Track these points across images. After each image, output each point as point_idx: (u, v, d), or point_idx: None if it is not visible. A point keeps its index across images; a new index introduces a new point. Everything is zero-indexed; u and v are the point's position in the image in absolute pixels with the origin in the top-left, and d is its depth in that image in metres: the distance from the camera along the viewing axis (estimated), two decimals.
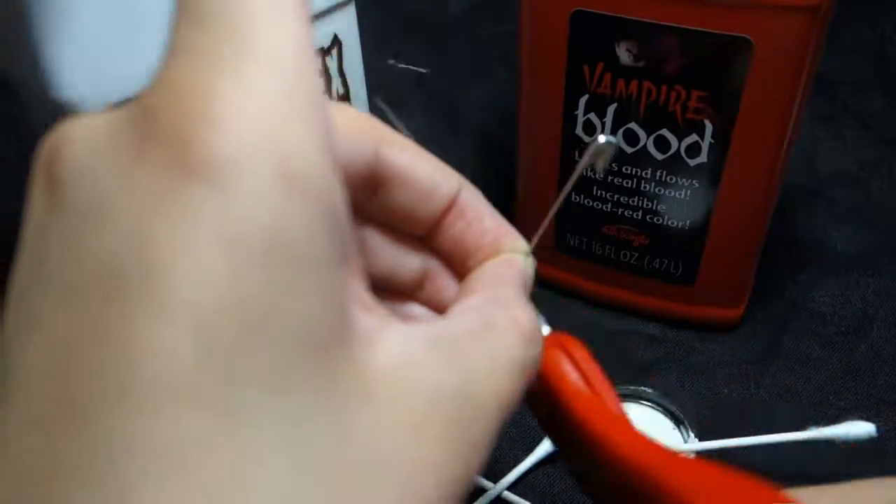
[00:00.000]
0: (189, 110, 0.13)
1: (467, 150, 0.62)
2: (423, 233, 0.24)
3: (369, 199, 0.23)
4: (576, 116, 0.42)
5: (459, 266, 0.25)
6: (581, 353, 0.27)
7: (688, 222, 0.43)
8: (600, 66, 0.39)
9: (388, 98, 0.66)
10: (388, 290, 0.25)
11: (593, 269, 0.48)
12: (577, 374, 0.26)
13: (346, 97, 0.42)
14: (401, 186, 0.22)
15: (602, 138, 0.23)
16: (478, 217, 0.24)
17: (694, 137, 0.40)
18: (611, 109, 0.41)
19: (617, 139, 0.23)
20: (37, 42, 0.31)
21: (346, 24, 0.40)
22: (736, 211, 0.42)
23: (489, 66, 0.69)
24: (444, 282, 0.25)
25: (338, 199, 0.15)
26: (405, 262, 0.25)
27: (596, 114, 0.41)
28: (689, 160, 0.41)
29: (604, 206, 0.45)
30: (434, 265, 0.25)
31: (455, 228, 0.24)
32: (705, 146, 0.40)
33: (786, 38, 0.35)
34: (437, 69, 0.70)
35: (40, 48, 0.31)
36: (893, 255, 0.52)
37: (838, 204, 0.56)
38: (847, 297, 0.49)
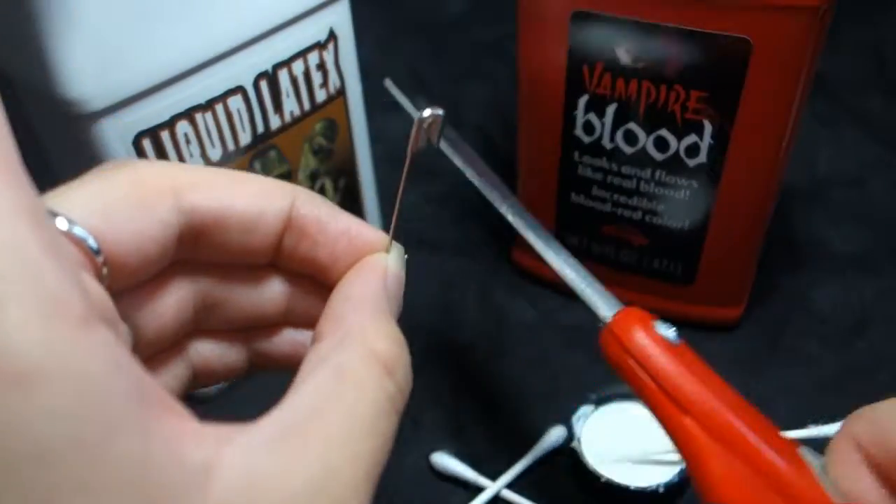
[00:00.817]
0: None
1: None
2: (268, 261, 0.23)
3: (194, 251, 0.21)
4: (575, 116, 0.42)
5: (327, 280, 0.23)
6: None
7: (687, 222, 0.44)
8: (600, 66, 0.39)
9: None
10: (257, 326, 0.24)
11: (593, 269, 0.48)
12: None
13: (342, 91, 0.42)
14: (218, 228, 0.21)
15: (427, 111, 0.23)
16: (321, 229, 0.23)
17: (693, 138, 0.40)
18: (610, 109, 0.41)
19: (441, 112, 0.23)
20: (41, 40, 0.31)
21: (340, 18, 0.40)
22: (735, 211, 0.42)
23: (489, 66, 0.69)
24: (312, 300, 0.24)
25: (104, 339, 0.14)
26: (259, 298, 0.24)
27: (595, 114, 0.41)
28: (688, 160, 0.41)
29: (603, 206, 0.45)
30: (297, 288, 0.24)
31: (302, 248, 0.23)
32: (705, 146, 0.40)
33: (785, 38, 0.35)
34: (437, 69, 0.70)
35: (45, 46, 0.31)
36: (893, 255, 0.52)
37: (838, 204, 0.56)
38: (846, 296, 0.49)
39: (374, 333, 0.20)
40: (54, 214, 0.18)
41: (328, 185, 0.44)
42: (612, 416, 0.42)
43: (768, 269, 0.49)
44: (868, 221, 0.55)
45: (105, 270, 0.18)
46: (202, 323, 0.24)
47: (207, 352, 0.24)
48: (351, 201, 0.46)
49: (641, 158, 0.42)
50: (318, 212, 0.23)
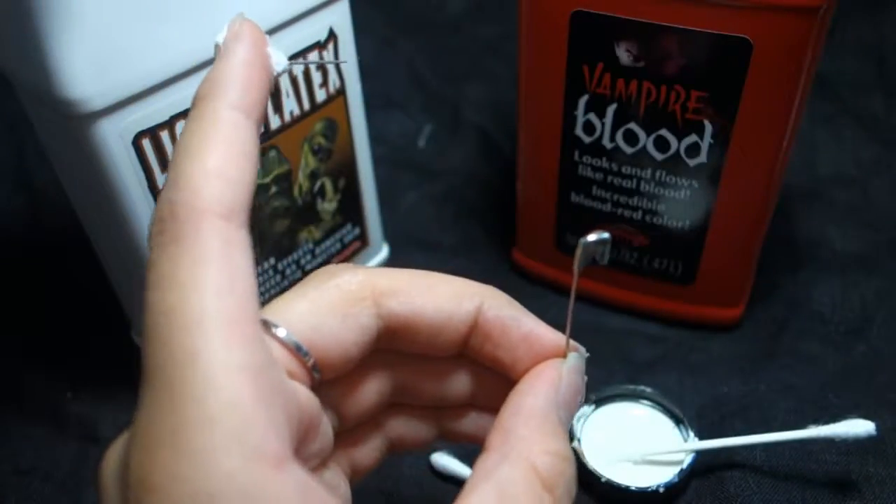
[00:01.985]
0: (139, 483, 0.17)
1: (467, 150, 0.62)
2: (455, 355, 0.25)
3: (389, 345, 0.24)
4: (575, 116, 0.42)
5: (508, 376, 0.25)
6: None
7: (687, 222, 0.44)
8: (600, 66, 0.39)
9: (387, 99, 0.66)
10: (443, 407, 0.27)
11: (593, 269, 0.48)
12: None
13: (342, 91, 0.42)
14: (413, 330, 0.23)
15: (592, 236, 0.23)
16: (505, 333, 0.24)
17: (693, 138, 0.40)
18: (610, 110, 0.41)
19: (607, 236, 0.23)
20: (41, 40, 0.31)
21: (340, 18, 0.40)
22: (735, 211, 0.42)
23: (489, 66, 0.69)
24: (495, 389, 0.25)
25: None
26: (447, 385, 0.26)
27: (596, 114, 0.41)
28: (688, 160, 0.41)
29: (603, 206, 0.45)
30: (481, 378, 0.26)
31: (484, 350, 0.24)
32: (705, 146, 0.40)
33: (785, 38, 0.35)
34: (438, 69, 0.70)
35: (44, 46, 0.31)
36: (893, 255, 0.52)
37: (838, 204, 0.56)
38: (846, 296, 0.49)
39: (538, 448, 0.21)
40: (275, 326, 0.21)
41: (328, 185, 0.44)
42: (612, 417, 0.42)
43: (768, 269, 0.49)
44: (868, 221, 0.55)
45: (315, 371, 0.22)
46: (397, 401, 0.27)
47: (401, 427, 0.27)
48: (351, 201, 0.46)
49: (641, 158, 0.42)
50: (502, 316, 0.24)
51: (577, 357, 0.25)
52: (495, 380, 0.25)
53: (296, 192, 0.42)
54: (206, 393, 0.17)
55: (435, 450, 0.41)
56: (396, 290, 0.23)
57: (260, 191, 0.41)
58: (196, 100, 0.21)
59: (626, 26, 0.37)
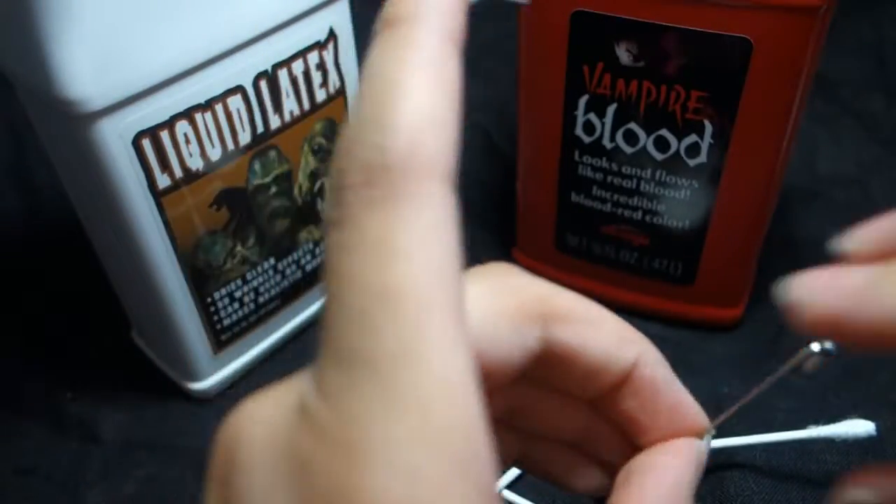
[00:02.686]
0: (340, 473, 0.14)
1: (467, 150, 0.62)
2: (591, 400, 0.23)
3: (535, 370, 0.21)
4: (575, 116, 0.42)
5: (632, 436, 0.23)
6: None
7: (687, 222, 0.44)
8: (600, 66, 0.39)
9: None
10: (546, 437, 0.24)
11: (593, 269, 0.48)
12: None
13: (342, 91, 0.42)
14: (568, 365, 0.21)
15: (815, 346, 0.21)
16: (652, 396, 0.22)
17: (693, 138, 0.40)
18: (610, 110, 0.41)
19: (834, 348, 0.20)
20: (41, 40, 0.31)
21: (340, 18, 0.40)
22: (736, 211, 0.42)
23: (489, 66, 0.69)
24: (610, 444, 0.24)
25: None
26: (565, 420, 0.23)
27: (596, 114, 0.41)
28: (688, 160, 0.41)
29: (603, 207, 0.45)
30: (601, 427, 0.24)
31: (626, 405, 0.22)
32: (705, 146, 0.40)
33: (785, 38, 0.35)
34: None
35: (44, 46, 0.31)
36: None
37: (838, 204, 0.56)
38: None
39: None
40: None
41: (328, 185, 0.44)
42: None
43: (768, 269, 0.49)
44: (868, 221, 0.55)
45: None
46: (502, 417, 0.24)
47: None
48: None
49: (642, 158, 0.42)
50: (656, 376, 0.22)
51: (709, 439, 0.24)
52: (609, 431, 0.23)
53: (296, 192, 0.42)
54: (432, 405, 0.14)
55: None
56: (569, 316, 0.20)
57: (260, 190, 0.41)
58: (390, 22, 0.17)
59: (626, 26, 0.37)
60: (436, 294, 0.14)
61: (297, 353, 0.48)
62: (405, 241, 0.14)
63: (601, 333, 0.21)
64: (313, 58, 0.39)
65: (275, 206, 0.42)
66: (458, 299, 0.15)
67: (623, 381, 0.21)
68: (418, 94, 0.16)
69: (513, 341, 0.19)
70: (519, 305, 0.20)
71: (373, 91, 0.16)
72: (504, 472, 0.40)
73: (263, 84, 0.38)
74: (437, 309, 0.14)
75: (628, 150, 0.42)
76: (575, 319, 0.20)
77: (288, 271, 0.45)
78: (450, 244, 0.15)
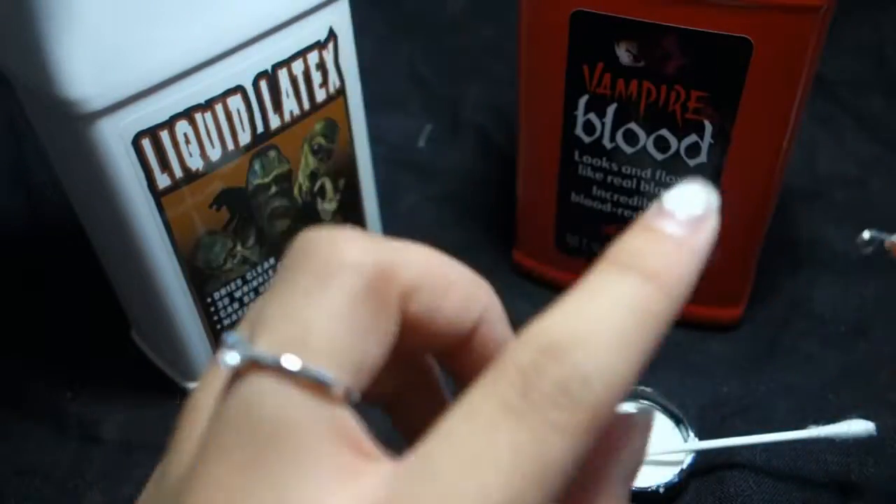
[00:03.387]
0: None
1: (467, 150, 0.62)
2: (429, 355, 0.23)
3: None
4: (575, 116, 0.42)
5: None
6: None
7: None
8: (600, 66, 0.39)
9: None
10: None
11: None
12: None
13: (342, 91, 0.42)
14: (415, 332, 0.20)
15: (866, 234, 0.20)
16: (490, 354, 0.21)
17: (693, 137, 0.40)
18: (610, 109, 0.41)
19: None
20: (40, 40, 0.31)
21: (340, 18, 0.40)
22: (735, 211, 0.42)
23: (489, 66, 0.69)
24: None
25: None
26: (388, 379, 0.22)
27: (596, 114, 0.41)
28: (688, 160, 0.41)
29: (603, 206, 0.45)
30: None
31: (465, 361, 0.22)
32: (705, 146, 0.40)
33: (786, 38, 0.35)
34: (438, 69, 0.70)
35: (44, 46, 0.31)
36: None
37: (838, 204, 0.56)
38: (846, 296, 0.49)
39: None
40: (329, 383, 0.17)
41: (328, 185, 0.44)
42: None
43: (768, 269, 0.49)
44: (868, 221, 0.55)
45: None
46: None
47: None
48: (351, 201, 0.46)
49: (642, 158, 0.42)
50: (496, 336, 0.22)
51: None
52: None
53: (296, 192, 0.42)
54: None
55: None
56: (420, 286, 0.19)
57: (260, 190, 0.41)
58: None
59: (626, 26, 0.37)
60: None
61: None
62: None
63: (450, 297, 0.20)
64: (313, 58, 0.39)
65: (275, 206, 0.42)
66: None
67: (466, 340, 0.21)
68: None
69: (382, 344, 0.18)
70: (375, 307, 0.18)
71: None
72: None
73: (263, 84, 0.38)
74: None
75: (628, 150, 0.42)
76: (423, 288, 0.19)
77: None
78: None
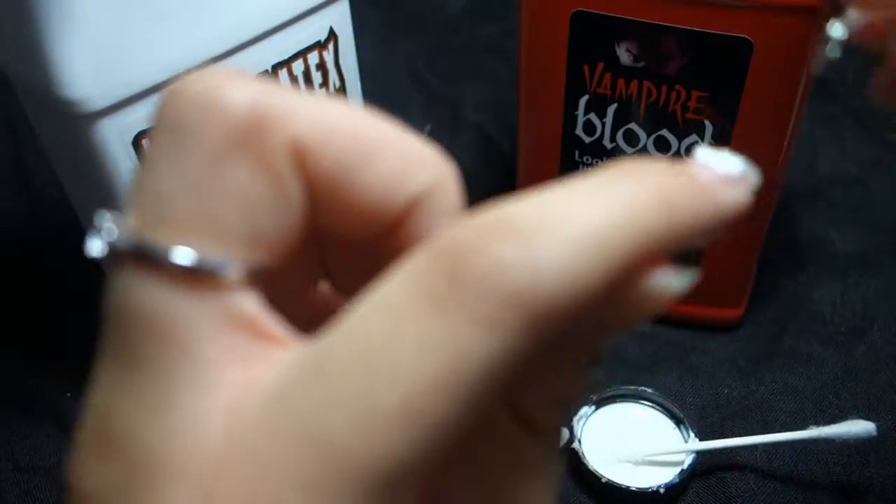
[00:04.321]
0: None
1: (467, 150, 0.62)
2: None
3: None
4: (576, 117, 0.42)
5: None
6: None
7: None
8: (600, 66, 0.39)
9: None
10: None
11: None
12: None
13: (342, 90, 0.42)
14: (329, 206, 0.16)
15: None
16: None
17: (694, 138, 0.40)
18: (611, 110, 0.41)
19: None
20: (41, 40, 0.31)
21: (340, 18, 0.40)
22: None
23: (489, 66, 0.69)
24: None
25: None
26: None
27: (596, 114, 0.41)
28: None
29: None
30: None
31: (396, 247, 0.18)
32: (705, 146, 0.40)
33: (786, 38, 0.35)
34: (438, 69, 0.70)
35: (44, 46, 0.31)
36: (893, 255, 0.52)
37: (838, 204, 0.56)
38: (847, 297, 0.49)
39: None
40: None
41: None
42: (613, 417, 0.42)
43: (769, 269, 0.49)
44: (869, 221, 0.55)
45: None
46: None
47: None
48: None
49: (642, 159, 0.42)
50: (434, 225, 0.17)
51: None
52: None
53: None
54: None
55: None
56: (321, 145, 0.15)
57: None
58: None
59: (626, 26, 0.37)
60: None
61: None
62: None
63: (373, 168, 0.16)
64: (313, 58, 0.39)
65: None
66: None
67: (395, 228, 0.16)
68: None
69: (279, 214, 0.15)
70: (252, 166, 0.14)
71: None
72: None
73: None
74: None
75: (629, 150, 0.42)
76: (329, 149, 0.15)
77: None
78: None
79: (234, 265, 0.14)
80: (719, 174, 0.15)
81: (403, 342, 0.12)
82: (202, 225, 0.14)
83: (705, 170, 0.15)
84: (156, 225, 0.14)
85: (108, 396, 0.14)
